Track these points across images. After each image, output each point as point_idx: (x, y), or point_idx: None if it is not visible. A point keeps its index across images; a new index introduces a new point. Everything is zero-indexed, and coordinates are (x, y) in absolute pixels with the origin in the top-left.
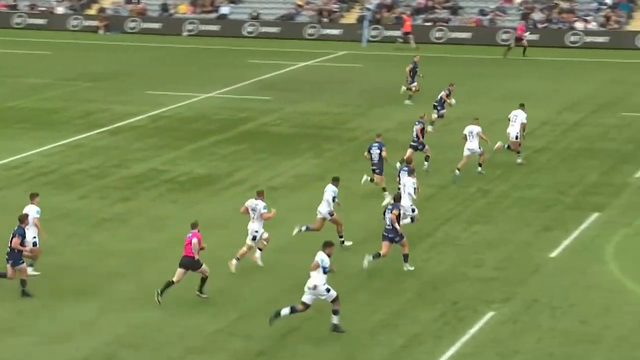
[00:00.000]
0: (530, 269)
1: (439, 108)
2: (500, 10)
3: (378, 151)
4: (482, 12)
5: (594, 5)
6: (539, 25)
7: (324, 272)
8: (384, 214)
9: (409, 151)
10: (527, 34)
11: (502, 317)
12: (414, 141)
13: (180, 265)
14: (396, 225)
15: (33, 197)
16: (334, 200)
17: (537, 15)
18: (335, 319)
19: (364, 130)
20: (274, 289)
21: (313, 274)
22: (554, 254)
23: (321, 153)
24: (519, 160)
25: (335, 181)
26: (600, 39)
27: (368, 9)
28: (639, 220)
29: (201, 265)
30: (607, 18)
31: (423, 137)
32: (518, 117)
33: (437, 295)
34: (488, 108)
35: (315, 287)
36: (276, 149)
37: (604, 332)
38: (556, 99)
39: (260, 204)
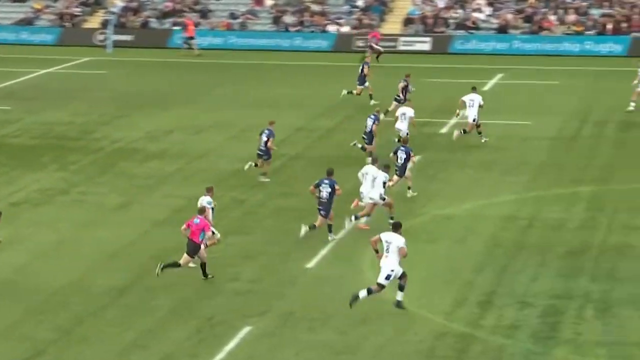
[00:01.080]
0: (287, 280)
1: (399, 99)
2: (251, 14)
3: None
4: (233, 16)
5: (346, 8)
6: (291, 29)
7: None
8: (320, 187)
9: (367, 146)
10: (374, 41)
11: (259, 332)
12: (365, 134)
13: (187, 249)
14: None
15: None
16: (383, 185)
17: (288, 19)
18: (400, 295)
19: (110, 140)
20: (14, 312)
21: (393, 260)
22: (310, 265)
23: (66, 165)
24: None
25: (386, 168)
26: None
27: (113, 13)
28: None
29: (198, 251)
30: (360, 21)
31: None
32: (475, 101)
33: (192, 312)
34: (240, 115)
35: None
36: (17, 162)
37: (362, 342)
38: (311, 104)
39: (204, 199)
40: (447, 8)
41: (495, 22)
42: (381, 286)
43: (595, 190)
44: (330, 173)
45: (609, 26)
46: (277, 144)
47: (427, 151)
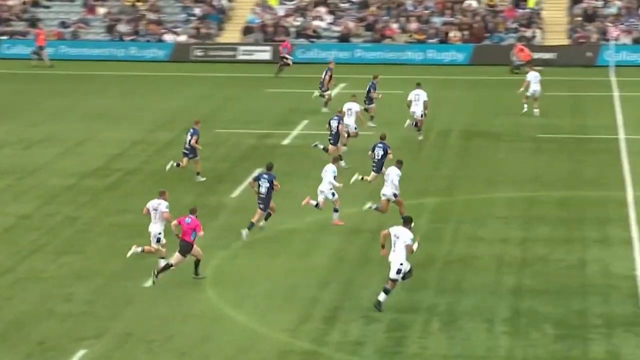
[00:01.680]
0: (124, 300)
1: (367, 102)
2: (84, 22)
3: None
4: (64, 24)
5: (183, 16)
6: (126, 38)
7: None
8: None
9: (330, 147)
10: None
11: (95, 355)
12: (331, 135)
13: (180, 248)
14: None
15: None
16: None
17: (123, 27)
18: (382, 297)
19: None
20: None
21: (400, 254)
22: (147, 284)
23: None
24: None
25: (399, 163)
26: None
27: None
28: (236, 242)
29: (191, 250)
30: (197, 30)
31: (338, 132)
32: (420, 96)
33: (21, 336)
34: (72, 129)
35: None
36: None
37: None
38: (147, 117)
39: (162, 204)
40: (287, 16)
41: (336, 31)
42: (394, 281)
43: (439, 201)
44: (269, 168)
45: (451, 34)
46: (112, 159)
47: None
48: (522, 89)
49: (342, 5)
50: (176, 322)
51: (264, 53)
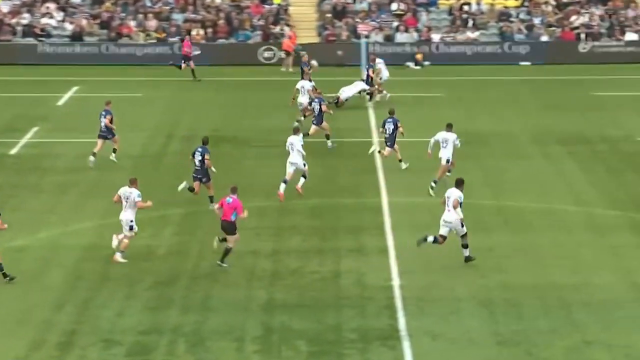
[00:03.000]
0: None
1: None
2: None
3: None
4: None
5: None
6: None
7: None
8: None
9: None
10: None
11: None
12: (314, 117)
13: (222, 229)
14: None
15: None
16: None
17: None
18: (466, 252)
19: None
20: None
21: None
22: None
23: None
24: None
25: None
26: None
27: None
28: None
29: (235, 231)
30: None
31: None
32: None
33: None
34: None
35: (451, 222)
36: None
37: None
38: None
39: (134, 192)
40: (13, 13)
41: (68, 29)
42: (444, 238)
43: (184, 213)
44: (205, 142)
45: (194, 32)
46: None
47: None
48: (377, 79)
49: (73, 1)
50: None
51: None
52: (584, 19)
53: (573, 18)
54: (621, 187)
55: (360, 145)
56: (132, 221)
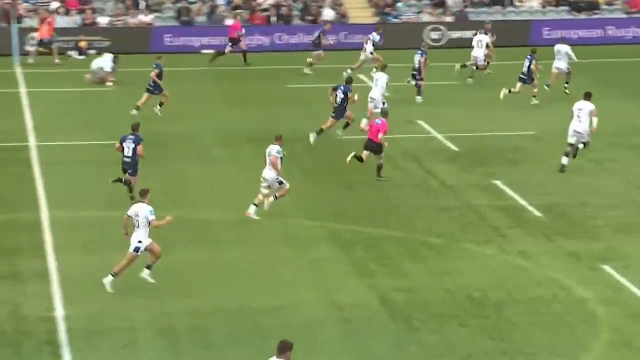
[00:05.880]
0: None
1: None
2: None
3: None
4: None
5: None
6: None
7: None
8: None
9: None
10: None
11: None
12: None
13: (366, 148)
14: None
15: None
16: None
17: None
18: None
19: None
20: None
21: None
22: None
23: None
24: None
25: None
26: None
27: None
28: None
29: (382, 151)
30: None
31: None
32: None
33: None
34: None
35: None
36: None
37: None
38: None
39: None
40: None
41: None
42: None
43: None
44: (134, 128)
45: None
46: None
47: None
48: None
49: None
50: None
51: None
52: None
53: None
54: (320, 193)
55: (14, 150)
56: (277, 179)
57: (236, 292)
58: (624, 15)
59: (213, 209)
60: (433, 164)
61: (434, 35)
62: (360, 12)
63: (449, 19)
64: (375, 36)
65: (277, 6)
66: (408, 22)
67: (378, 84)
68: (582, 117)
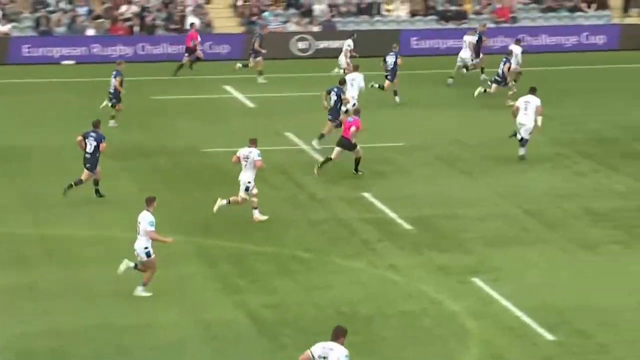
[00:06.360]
0: None
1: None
2: None
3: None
4: None
5: None
6: None
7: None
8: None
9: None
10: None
11: None
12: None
13: (338, 144)
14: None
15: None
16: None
17: None
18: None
19: None
20: None
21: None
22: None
23: None
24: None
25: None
26: None
27: None
28: None
29: (356, 147)
30: None
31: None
32: (356, 80)
33: None
34: None
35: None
36: None
37: None
38: None
39: (254, 152)
40: None
41: None
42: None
43: None
44: (96, 125)
45: None
46: None
47: None
48: None
49: None
50: None
51: None
52: (136, 8)
53: (124, 8)
54: (186, 208)
55: None
56: (249, 182)
57: (98, 311)
58: (493, 25)
59: (72, 224)
60: (301, 176)
61: (301, 45)
62: (225, 21)
63: (316, 28)
64: (350, 42)
65: (140, 16)
66: (275, 32)
67: (354, 84)
68: (529, 110)
